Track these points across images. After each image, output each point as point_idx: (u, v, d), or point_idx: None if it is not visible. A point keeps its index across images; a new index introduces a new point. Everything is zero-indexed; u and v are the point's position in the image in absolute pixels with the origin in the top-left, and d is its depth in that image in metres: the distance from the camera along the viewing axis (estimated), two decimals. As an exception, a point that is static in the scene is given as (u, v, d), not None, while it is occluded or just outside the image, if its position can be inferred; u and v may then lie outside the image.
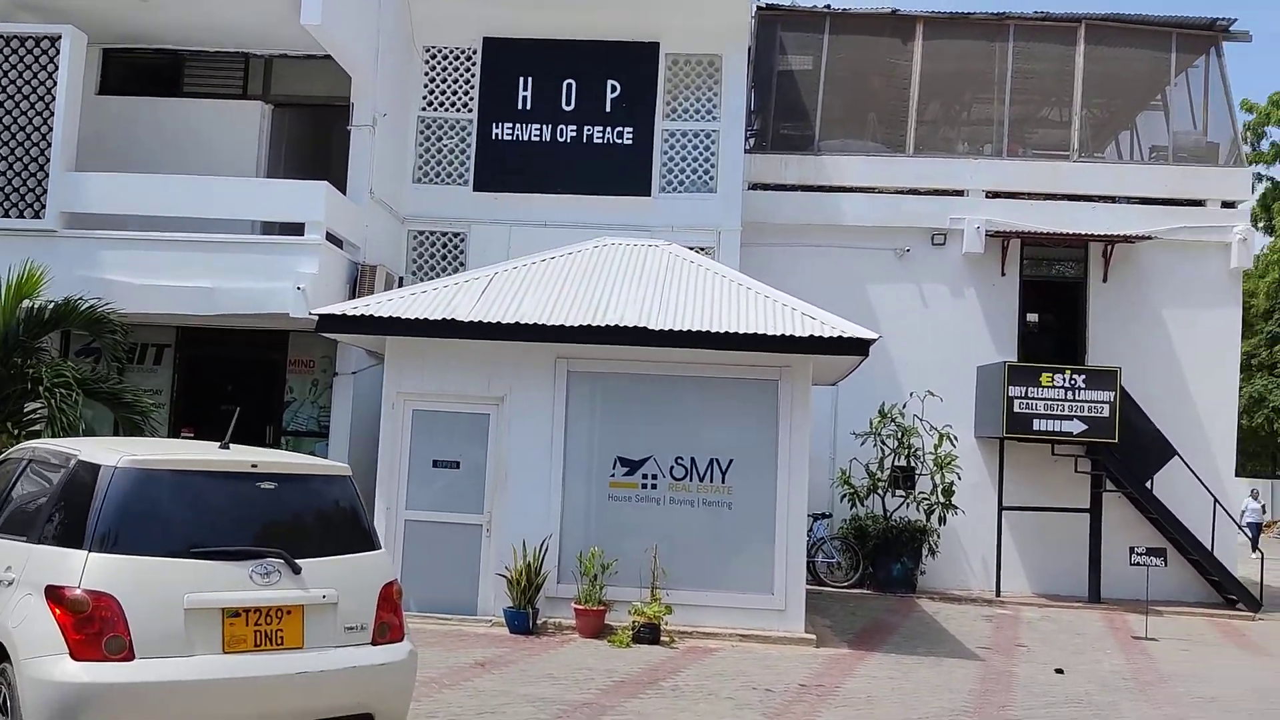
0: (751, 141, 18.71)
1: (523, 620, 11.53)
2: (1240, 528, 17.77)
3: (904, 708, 9.13)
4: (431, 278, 16.27)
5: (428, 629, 11.17)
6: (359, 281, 14.78)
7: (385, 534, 11.80)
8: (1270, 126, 35.99)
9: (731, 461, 12.18)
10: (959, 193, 18.45)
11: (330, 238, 14.19)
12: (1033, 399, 16.61)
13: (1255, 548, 18.77)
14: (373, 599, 6.00)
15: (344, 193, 14.88)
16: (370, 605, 5.98)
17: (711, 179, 17.02)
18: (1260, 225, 35.07)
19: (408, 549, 12.10)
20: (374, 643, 5.94)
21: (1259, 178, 35.44)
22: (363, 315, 12.07)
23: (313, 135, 17.42)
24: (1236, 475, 19.22)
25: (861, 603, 15.60)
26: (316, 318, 12.29)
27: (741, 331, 11.67)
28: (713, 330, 11.69)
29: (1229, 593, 16.87)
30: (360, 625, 5.91)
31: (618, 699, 8.78)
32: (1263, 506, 29.64)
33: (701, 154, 17.06)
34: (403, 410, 12.31)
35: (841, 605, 15.11)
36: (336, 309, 12.37)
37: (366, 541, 6.23)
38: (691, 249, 14.70)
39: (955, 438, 17.07)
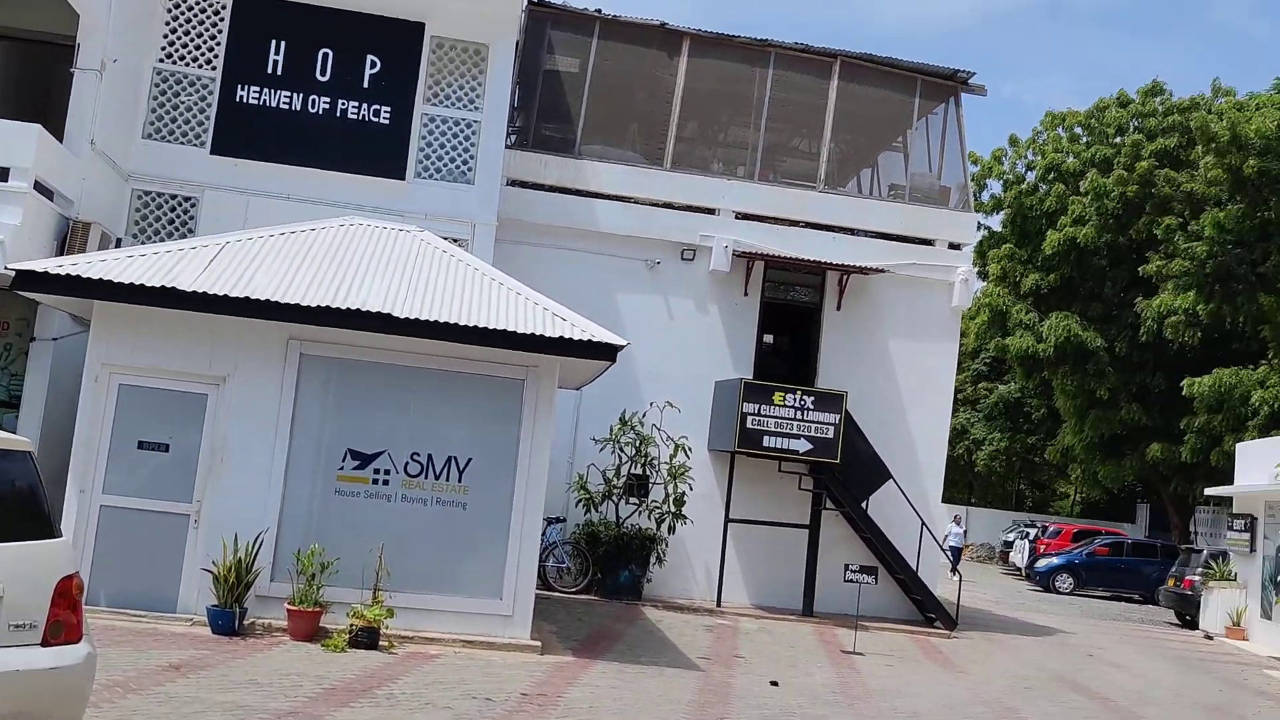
0: (513, 137, 18.41)
1: (228, 620, 10.68)
2: (943, 550, 18.96)
3: (624, 718, 9.03)
4: (156, 242, 14.97)
5: (119, 626, 10.18)
6: (69, 238, 13.37)
7: (76, 520, 10.74)
8: (991, 179, 39.01)
9: (470, 460, 11.78)
10: (710, 211, 18.83)
11: (40, 188, 12.79)
12: (765, 416, 17.10)
13: (954, 570, 20.09)
14: (47, 593, 5.27)
15: (60, 140, 13.46)
16: (43, 600, 5.25)
17: (470, 169, 16.56)
18: (976, 271, 37.90)
19: (102, 538, 10.98)
20: (45, 643, 5.21)
21: (979, 227, 38.30)
22: (68, 275, 10.87)
23: (30, 74, 15.74)
24: (941, 501, 20.49)
25: (588, 609, 15.53)
26: (13, 273, 10.97)
27: (491, 326, 11.31)
28: (461, 323, 11.27)
29: (929, 611, 17.94)
30: (29, 623, 5.17)
31: (326, 708, 8.22)
32: (964, 532, 31.96)
33: (461, 143, 16.56)
34: (107, 384, 11.18)
35: (568, 611, 14.99)
36: (38, 265, 11.07)
37: (44, 528, 5.47)
38: (444, 239, 14.19)
39: (690, 449, 17.36)
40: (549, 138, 19.21)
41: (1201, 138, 29.79)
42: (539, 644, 11.56)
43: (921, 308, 19.11)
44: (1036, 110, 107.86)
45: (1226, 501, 25.11)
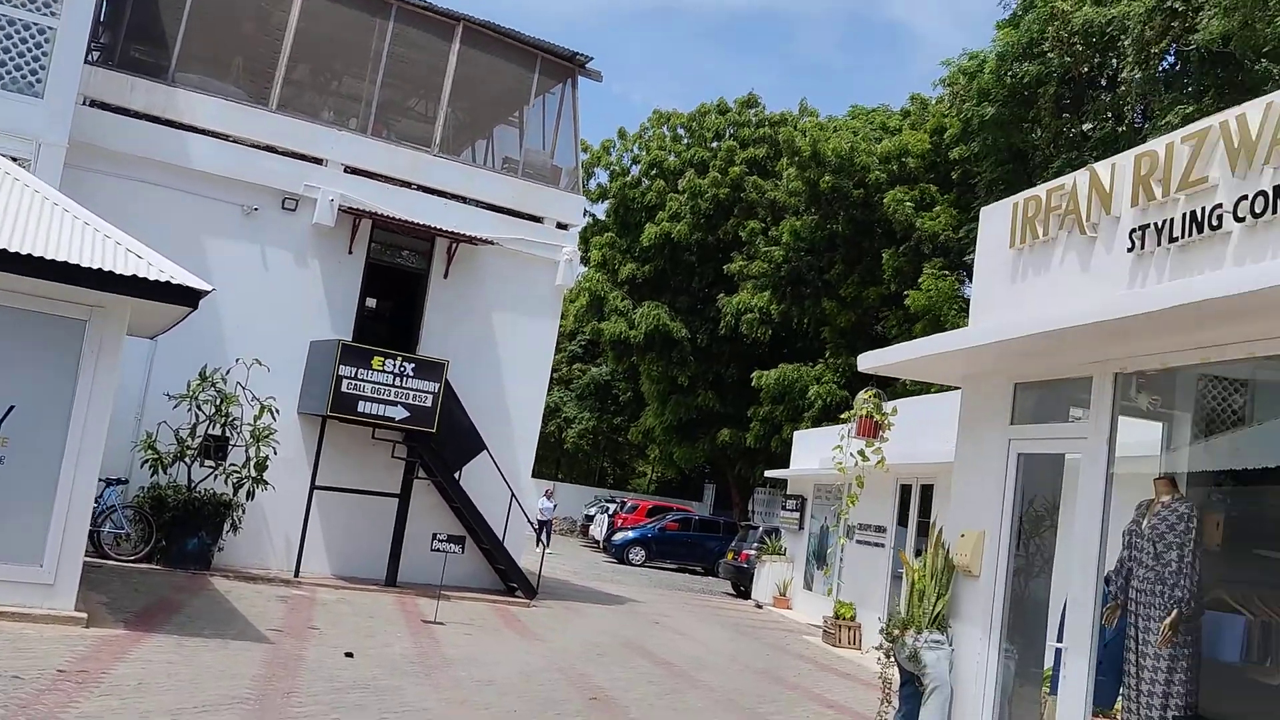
0: (96, 54, 16.48)
1: None
2: (530, 522, 19.27)
3: (179, 695, 8.28)
4: None
5: None
6: None
7: None
8: (599, 169, 40.40)
9: (12, 409, 10.32)
10: (318, 161, 17.89)
11: None
12: (362, 381, 16.53)
13: (540, 542, 20.51)
14: None
15: None
16: None
17: (39, 81, 14.53)
18: (580, 255, 39.12)
19: None
20: None
21: (585, 212, 39.56)
22: None
23: None
24: (532, 476, 20.87)
25: (148, 578, 14.24)
26: None
27: (49, 257, 9.94)
28: (12, 250, 9.81)
29: (512, 581, 18.19)
30: None
31: None
32: (554, 506, 32.91)
33: (30, 50, 14.50)
34: None
35: (125, 581, 13.65)
36: None
37: None
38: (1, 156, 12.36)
39: (277, 411, 16.43)
40: (139, 60, 17.35)
41: (787, 151, 32.51)
42: (85, 616, 10.38)
43: (526, 283, 19.28)
44: (644, 109, 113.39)
45: (782, 483, 27.59)
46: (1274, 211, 5.81)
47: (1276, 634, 6.93)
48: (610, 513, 38.26)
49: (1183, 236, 6.47)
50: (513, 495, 18.21)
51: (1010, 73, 23.59)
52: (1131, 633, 7.19)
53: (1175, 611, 6.85)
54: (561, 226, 19.83)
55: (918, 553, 12.89)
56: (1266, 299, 5.34)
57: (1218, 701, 7.06)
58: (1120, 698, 7.36)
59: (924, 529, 16.09)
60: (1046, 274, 7.93)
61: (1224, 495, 8.05)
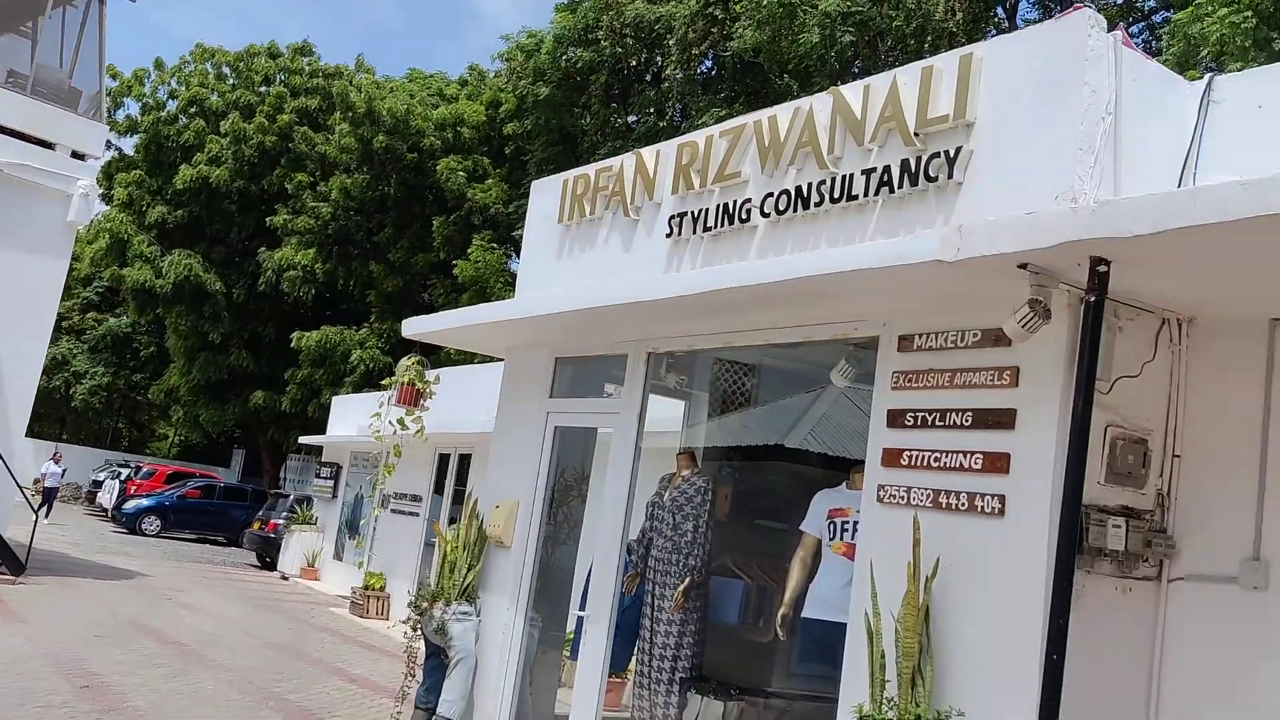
0: None
1: None
2: (21, 488, 16.97)
3: None
4: None
5: None
6: None
7: None
8: (129, 99, 36.58)
9: None
10: None
11: None
12: None
13: (38, 510, 18.22)
14: None
15: None
16: None
17: None
18: (101, 193, 35.23)
19: None
20: None
21: (109, 145, 35.75)
22: None
23: None
24: (27, 435, 18.44)
25: None
26: None
27: None
28: None
29: (-7, 555, 15.97)
30: None
31: None
32: (64, 471, 29.46)
33: None
34: None
35: None
36: None
37: None
38: None
39: None
40: None
41: (341, 105, 31.40)
42: None
43: (30, 216, 16.91)
44: (186, 44, 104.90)
45: (318, 450, 26.66)
46: (795, 210, 6.29)
47: (769, 597, 7.61)
48: (122, 478, 34.97)
49: (716, 226, 6.85)
50: (0, 458, 15.97)
51: (565, 56, 24.32)
52: (648, 599, 7.59)
53: (688, 579, 7.31)
54: (78, 156, 17.61)
55: (452, 522, 12.89)
56: (783, 290, 5.76)
57: (718, 660, 7.63)
58: (634, 659, 7.75)
59: (460, 498, 16.16)
60: (591, 252, 8.11)
61: (733, 470, 8.74)
